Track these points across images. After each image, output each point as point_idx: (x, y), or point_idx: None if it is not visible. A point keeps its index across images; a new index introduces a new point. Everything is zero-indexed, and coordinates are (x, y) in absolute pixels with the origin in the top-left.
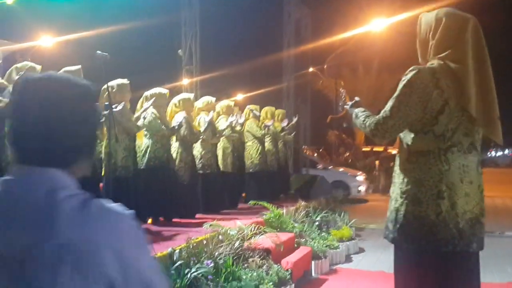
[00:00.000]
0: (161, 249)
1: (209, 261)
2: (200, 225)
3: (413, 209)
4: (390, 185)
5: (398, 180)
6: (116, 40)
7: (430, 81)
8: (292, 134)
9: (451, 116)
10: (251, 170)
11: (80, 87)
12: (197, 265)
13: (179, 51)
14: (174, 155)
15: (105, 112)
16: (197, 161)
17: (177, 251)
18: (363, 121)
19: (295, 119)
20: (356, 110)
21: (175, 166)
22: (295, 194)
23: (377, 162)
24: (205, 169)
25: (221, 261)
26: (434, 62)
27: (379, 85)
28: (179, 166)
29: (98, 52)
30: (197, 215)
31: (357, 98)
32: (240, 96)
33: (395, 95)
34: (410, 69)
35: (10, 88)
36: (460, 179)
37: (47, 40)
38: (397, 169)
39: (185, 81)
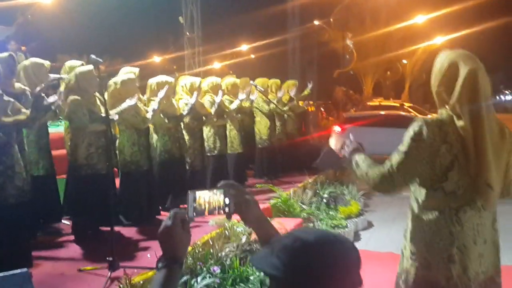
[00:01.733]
0: None
1: (216, 267)
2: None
3: (423, 273)
4: None
5: (409, 237)
6: (115, 4)
7: (438, 135)
8: (305, 103)
9: (462, 173)
10: (260, 146)
11: (352, 252)
12: (203, 275)
13: (180, 17)
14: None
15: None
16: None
17: None
18: (366, 173)
19: (309, 86)
20: (357, 157)
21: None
22: (303, 167)
23: None
24: (212, 152)
25: (228, 262)
26: (443, 112)
27: (387, 35)
28: (188, 153)
29: (92, 56)
30: None
31: (355, 144)
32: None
33: (401, 148)
34: (416, 120)
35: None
36: (473, 240)
37: None
38: (409, 223)
39: (187, 52)
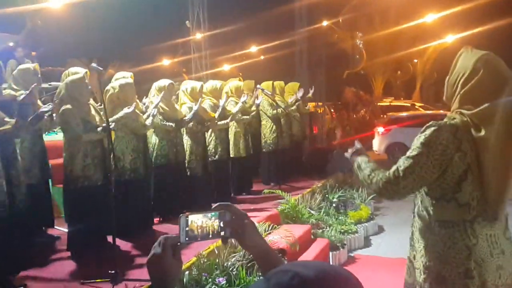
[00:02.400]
0: None
1: (221, 278)
2: None
3: None
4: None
5: (419, 248)
6: (124, 8)
7: (451, 142)
8: (308, 106)
9: (475, 183)
10: (265, 150)
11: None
12: (208, 286)
13: (187, 22)
14: (185, 148)
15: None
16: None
17: (186, 272)
18: (368, 176)
19: (311, 91)
20: (359, 160)
21: (186, 160)
22: (311, 171)
23: None
24: (213, 156)
25: (234, 272)
26: (456, 117)
27: (397, 34)
28: (190, 158)
29: (94, 65)
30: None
31: (358, 145)
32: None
33: (410, 153)
34: (429, 124)
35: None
36: (490, 253)
37: (55, 2)
38: (417, 233)
39: (194, 56)
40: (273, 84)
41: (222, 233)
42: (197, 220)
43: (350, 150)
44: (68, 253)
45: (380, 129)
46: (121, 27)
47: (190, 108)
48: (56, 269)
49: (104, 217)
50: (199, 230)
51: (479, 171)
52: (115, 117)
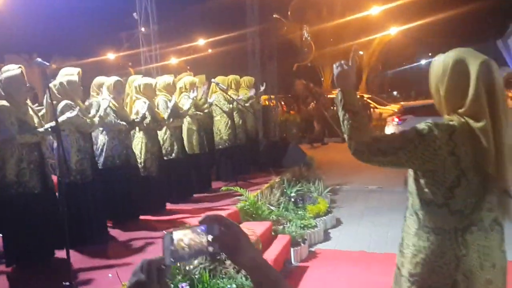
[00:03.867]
0: (126, 275)
1: (184, 284)
2: (169, 223)
3: None
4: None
5: (407, 255)
6: (64, 1)
7: (445, 144)
8: (261, 101)
9: (469, 189)
10: (220, 147)
11: None
12: None
13: (134, 14)
14: (139, 146)
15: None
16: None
17: None
18: (350, 128)
19: (262, 88)
20: (348, 93)
21: (138, 160)
22: (267, 165)
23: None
24: (169, 155)
25: (197, 276)
26: (454, 119)
27: (343, 26)
28: (146, 157)
29: (38, 59)
30: (168, 206)
31: (340, 68)
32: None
33: (401, 135)
34: (426, 121)
35: None
36: (480, 265)
37: None
38: (406, 238)
39: (143, 49)
40: (228, 79)
41: (211, 249)
42: (184, 237)
43: (335, 69)
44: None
45: (396, 120)
46: (63, 20)
47: (149, 107)
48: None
49: (46, 227)
50: (186, 249)
51: (475, 174)
52: (60, 118)
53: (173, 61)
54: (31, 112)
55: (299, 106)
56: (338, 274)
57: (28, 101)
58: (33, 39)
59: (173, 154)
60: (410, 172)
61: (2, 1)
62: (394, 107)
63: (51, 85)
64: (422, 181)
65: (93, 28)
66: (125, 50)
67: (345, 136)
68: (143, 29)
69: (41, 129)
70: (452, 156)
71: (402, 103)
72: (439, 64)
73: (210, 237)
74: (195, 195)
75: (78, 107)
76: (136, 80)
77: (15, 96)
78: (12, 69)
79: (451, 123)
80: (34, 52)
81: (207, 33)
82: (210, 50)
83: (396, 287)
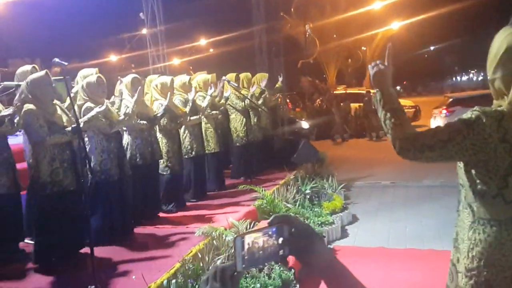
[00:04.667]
0: (153, 277)
1: None
2: (189, 220)
3: None
4: (375, 128)
5: (463, 249)
6: (65, 4)
7: (495, 131)
8: (277, 97)
9: None
10: (237, 144)
11: None
12: None
13: (141, 14)
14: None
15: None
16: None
17: (173, 280)
18: (392, 127)
19: (280, 78)
20: (385, 94)
21: (164, 158)
22: (281, 162)
23: (356, 106)
24: (189, 153)
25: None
26: (502, 104)
27: (347, 22)
28: (168, 156)
29: (56, 59)
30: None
31: (381, 66)
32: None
33: (447, 127)
34: (473, 109)
35: None
36: None
37: None
38: (460, 233)
39: (151, 50)
40: (238, 76)
41: (281, 252)
42: (257, 240)
43: (371, 70)
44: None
45: (444, 112)
46: (66, 23)
47: (166, 108)
48: (30, 285)
49: (78, 225)
50: (260, 252)
51: None
52: (86, 116)
53: (178, 61)
54: (59, 111)
55: (305, 103)
56: (358, 270)
57: (57, 101)
58: (36, 43)
59: (193, 153)
60: (460, 164)
61: (4, 6)
62: (402, 102)
63: (73, 90)
64: (473, 172)
65: (96, 31)
66: (128, 51)
67: (388, 135)
68: (150, 28)
69: (68, 129)
70: (504, 143)
71: (448, 95)
72: (495, 44)
73: (280, 240)
74: (211, 193)
75: (106, 103)
76: (154, 81)
77: (42, 98)
78: (37, 72)
79: (499, 108)
80: (37, 57)
81: (212, 33)
82: (211, 50)
83: (452, 284)
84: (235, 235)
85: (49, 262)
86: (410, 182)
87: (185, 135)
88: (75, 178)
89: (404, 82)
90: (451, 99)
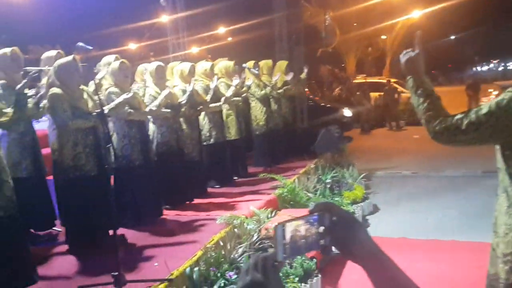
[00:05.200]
0: (175, 264)
1: (231, 273)
2: (210, 207)
3: None
4: (394, 118)
5: (500, 233)
6: None
7: None
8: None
9: None
10: (257, 132)
11: None
12: (219, 283)
13: (161, 0)
14: None
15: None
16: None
17: (196, 268)
18: (426, 113)
19: (305, 70)
20: (416, 83)
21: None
22: (301, 151)
23: (374, 95)
24: (208, 140)
25: (242, 264)
26: None
27: (367, 11)
28: (186, 143)
29: (80, 44)
30: (209, 190)
31: (412, 53)
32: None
33: (480, 110)
34: (508, 90)
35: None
36: None
37: None
38: (499, 217)
39: (170, 37)
40: (257, 63)
41: (322, 242)
42: (299, 228)
43: (402, 57)
44: (64, 254)
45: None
46: (85, 11)
47: (184, 91)
48: (53, 270)
49: (103, 210)
50: (302, 241)
51: None
52: (112, 103)
53: (196, 49)
54: (85, 96)
55: (323, 92)
56: None
57: (84, 87)
58: (55, 30)
59: (212, 140)
60: (497, 147)
61: None
62: None
63: (97, 77)
64: (509, 154)
65: (115, 18)
66: (147, 39)
67: (422, 121)
68: (170, 15)
69: (93, 114)
70: None
71: (498, 83)
72: None
73: (321, 229)
74: (232, 180)
75: (133, 89)
76: (175, 67)
77: (69, 83)
78: (64, 57)
79: None
80: (56, 44)
81: (231, 20)
82: (229, 39)
83: (492, 269)
84: (277, 224)
85: (78, 245)
86: (431, 172)
87: (204, 121)
88: (98, 164)
89: (433, 72)
90: (501, 87)
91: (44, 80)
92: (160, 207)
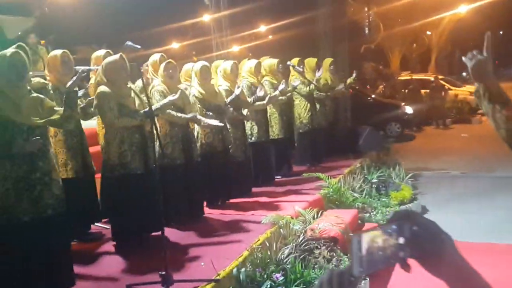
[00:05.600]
0: (221, 264)
1: (278, 274)
2: (254, 207)
3: None
4: (441, 116)
5: None
6: None
7: None
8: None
9: None
10: (300, 130)
11: None
12: (266, 284)
13: None
14: None
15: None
16: None
17: (242, 269)
18: (502, 114)
19: (354, 74)
20: (491, 85)
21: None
22: (346, 150)
23: (421, 92)
24: (250, 139)
25: (289, 266)
26: None
27: (411, 6)
28: (231, 143)
29: (129, 43)
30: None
31: (480, 57)
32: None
33: None
34: None
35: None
36: None
37: None
38: None
39: (214, 36)
40: (302, 61)
41: (401, 254)
42: (376, 239)
43: (469, 61)
44: (110, 253)
45: None
46: (131, 11)
47: (227, 91)
48: (99, 268)
49: (149, 208)
50: (379, 253)
51: None
52: (159, 103)
53: (238, 48)
54: (132, 95)
55: (367, 89)
56: None
57: (132, 85)
58: (101, 31)
59: (253, 138)
60: None
61: None
62: (470, 88)
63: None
64: None
65: (159, 18)
66: (190, 38)
67: (500, 130)
68: (211, 15)
69: (141, 112)
70: None
71: None
72: None
73: (401, 240)
74: (277, 179)
75: (180, 91)
76: (219, 66)
77: (116, 81)
78: (111, 56)
79: None
80: (103, 44)
81: (274, 17)
82: (270, 37)
83: None
84: (353, 236)
85: (124, 243)
86: (481, 173)
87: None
88: (144, 162)
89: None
90: None
91: (93, 80)
92: (201, 207)
